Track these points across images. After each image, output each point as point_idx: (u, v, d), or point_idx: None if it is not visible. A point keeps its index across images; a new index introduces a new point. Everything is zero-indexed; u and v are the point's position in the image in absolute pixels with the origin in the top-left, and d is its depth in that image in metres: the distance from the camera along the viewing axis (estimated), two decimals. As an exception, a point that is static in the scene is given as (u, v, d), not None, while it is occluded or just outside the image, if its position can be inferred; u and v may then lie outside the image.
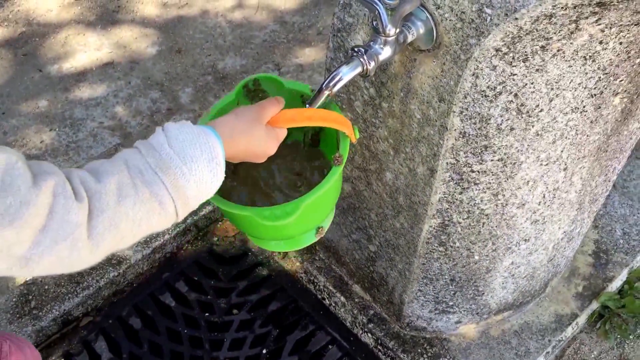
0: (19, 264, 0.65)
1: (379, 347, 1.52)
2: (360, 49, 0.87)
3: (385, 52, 0.87)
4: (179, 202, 0.73)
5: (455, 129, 0.98)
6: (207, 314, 1.58)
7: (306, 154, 1.11)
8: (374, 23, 0.85)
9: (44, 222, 0.64)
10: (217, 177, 0.76)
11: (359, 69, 0.87)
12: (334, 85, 0.87)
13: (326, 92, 0.88)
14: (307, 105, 0.92)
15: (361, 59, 0.86)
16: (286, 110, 0.89)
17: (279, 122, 0.88)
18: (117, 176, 0.70)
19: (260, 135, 0.85)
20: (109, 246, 0.70)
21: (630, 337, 1.66)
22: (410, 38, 0.88)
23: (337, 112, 0.97)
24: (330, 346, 1.54)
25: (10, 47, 2.33)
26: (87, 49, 2.33)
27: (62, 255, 0.66)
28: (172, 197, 0.72)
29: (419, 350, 1.48)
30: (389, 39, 0.86)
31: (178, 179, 0.72)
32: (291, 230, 1.03)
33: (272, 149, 0.88)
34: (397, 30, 0.85)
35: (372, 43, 0.87)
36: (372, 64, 0.87)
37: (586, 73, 0.92)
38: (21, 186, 0.62)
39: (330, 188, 0.93)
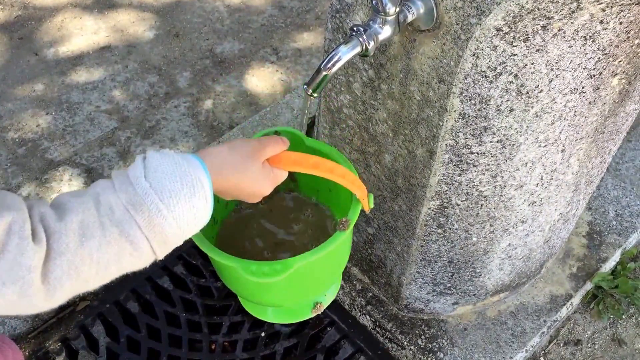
0: None
1: (377, 328, 1.53)
2: (360, 28, 0.86)
3: (385, 32, 0.87)
4: (154, 242, 0.66)
5: (454, 110, 0.98)
6: (205, 298, 1.58)
7: (317, 216, 1.04)
8: (374, 1, 0.85)
9: None
10: (200, 214, 0.69)
11: (358, 49, 0.87)
12: (333, 65, 0.87)
13: (324, 73, 0.88)
14: (304, 87, 0.90)
15: (360, 39, 0.86)
16: (291, 152, 0.83)
17: (281, 163, 0.82)
18: (81, 215, 0.63)
19: (254, 173, 0.78)
20: (68, 291, 0.64)
21: (623, 316, 1.68)
22: (410, 17, 0.88)
23: (349, 169, 0.89)
24: (328, 328, 1.55)
25: (6, 30, 2.32)
26: (83, 33, 2.32)
27: (11, 298, 0.60)
28: (147, 237, 0.65)
29: (417, 332, 1.49)
30: (389, 18, 0.86)
31: (153, 216, 0.65)
32: (281, 296, 0.95)
33: (266, 190, 0.81)
34: (397, 9, 0.85)
35: (371, 22, 0.87)
36: (372, 43, 0.87)
37: (586, 53, 0.92)
38: None
39: (330, 254, 0.86)
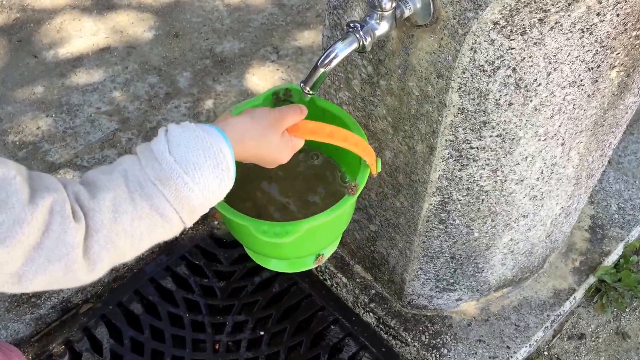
0: (11, 281, 0.62)
1: (380, 326, 1.53)
2: (356, 24, 0.86)
3: (382, 28, 0.87)
4: (183, 213, 0.69)
5: (454, 105, 0.98)
6: (208, 298, 1.59)
7: (322, 167, 1.07)
8: (370, -2, 0.85)
9: (39, 240, 0.61)
10: (224, 183, 0.72)
11: (355, 45, 0.87)
12: (330, 62, 0.87)
13: (321, 70, 0.88)
14: (300, 85, 0.90)
15: (357, 35, 0.86)
16: (307, 121, 0.85)
17: (299, 131, 0.84)
18: (112, 192, 0.66)
19: (274, 142, 0.81)
20: (107, 264, 0.67)
21: (627, 310, 1.67)
22: (407, 13, 0.88)
23: (362, 137, 0.93)
24: (332, 326, 1.55)
25: (5, 33, 2.32)
26: (83, 34, 2.32)
27: (57, 275, 0.64)
28: (175, 209, 0.68)
29: (421, 328, 1.49)
30: (386, 13, 0.85)
31: (180, 189, 0.68)
32: (289, 251, 0.98)
33: (285, 158, 0.84)
34: (394, 4, 0.85)
35: (368, 18, 0.87)
36: (369, 39, 0.86)
37: (584, 46, 0.92)
38: (15, 204, 0.59)
39: (337, 216, 0.88)
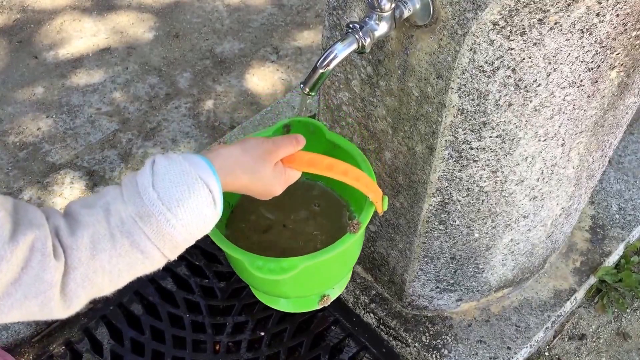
0: None
1: (381, 326, 1.53)
2: (356, 25, 0.86)
3: (381, 28, 0.87)
4: (166, 249, 0.68)
5: (453, 106, 0.97)
6: (208, 299, 1.58)
7: (332, 203, 1.03)
8: (370, -1, 0.85)
9: (17, 276, 0.60)
10: (209, 219, 0.70)
11: (354, 46, 0.87)
12: (329, 63, 0.86)
13: (321, 71, 0.87)
14: (300, 85, 0.89)
15: (356, 36, 0.86)
16: (305, 153, 0.82)
17: (294, 163, 0.81)
18: (91, 228, 0.65)
19: (266, 175, 0.78)
20: (84, 300, 0.66)
21: (628, 310, 1.67)
22: (406, 13, 0.88)
23: (370, 174, 0.89)
24: (332, 327, 1.55)
25: (5, 34, 2.32)
26: (83, 35, 2.32)
27: (32, 310, 0.63)
28: (157, 246, 0.67)
29: (421, 329, 1.49)
30: (385, 14, 0.85)
31: (162, 227, 0.66)
32: (289, 289, 0.96)
33: (277, 191, 0.82)
34: (393, 5, 0.85)
35: (367, 19, 0.87)
36: (368, 40, 0.86)
37: (583, 46, 0.92)
38: None
39: (339, 255, 0.85)
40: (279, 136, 0.83)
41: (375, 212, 0.93)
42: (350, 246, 0.89)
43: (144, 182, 0.67)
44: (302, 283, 0.93)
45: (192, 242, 0.71)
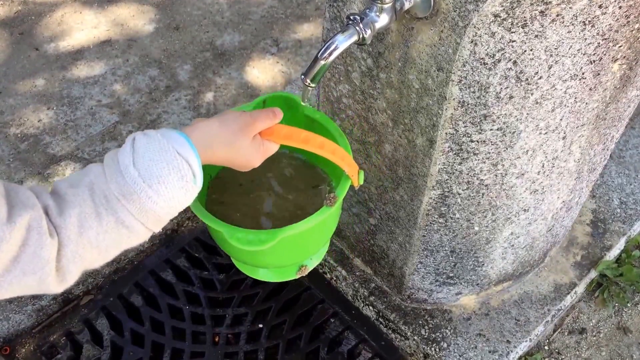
0: None
1: (380, 319, 1.53)
2: (356, 16, 0.86)
3: (382, 20, 0.87)
4: (149, 223, 0.71)
5: (454, 99, 0.97)
6: (208, 290, 1.59)
7: (306, 173, 1.05)
8: (370, -10, 0.84)
9: (16, 254, 0.64)
10: (189, 192, 0.73)
11: (355, 38, 0.86)
12: (330, 54, 0.86)
13: (322, 62, 0.87)
14: (302, 77, 0.90)
15: (357, 27, 0.85)
16: (282, 126, 0.84)
17: (272, 135, 0.83)
18: (78, 208, 0.68)
19: (243, 147, 0.80)
20: (76, 274, 0.70)
21: (628, 304, 1.67)
22: (407, 5, 0.87)
23: (346, 148, 0.90)
24: (332, 319, 1.55)
25: (6, 26, 2.31)
26: (83, 27, 2.31)
27: (30, 285, 0.66)
28: (140, 221, 0.70)
29: (420, 322, 1.49)
30: (385, 6, 0.85)
31: (144, 203, 0.69)
32: (267, 260, 0.98)
33: (256, 162, 0.84)
34: (394, -4, 0.84)
35: (368, 11, 0.86)
36: (368, 32, 0.86)
37: (585, 39, 0.91)
38: None
39: (316, 226, 0.87)
40: (257, 110, 0.84)
41: (352, 187, 0.95)
42: (327, 218, 0.91)
43: (124, 161, 0.70)
44: (280, 254, 0.95)
45: (175, 214, 0.74)
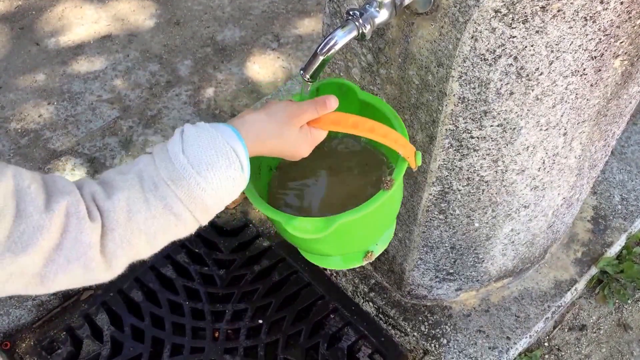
0: (34, 282, 0.65)
1: (380, 315, 1.53)
2: (356, 12, 0.85)
3: (382, 15, 0.86)
4: (197, 212, 0.71)
5: (454, 95, 0.97)
6: (208, 286, 1.59)
7: (366, 157, 1.03)
8: (370, -15, 0.84)
9: (58, 242, 0.64)
10: (237, 182, 0.73)
11: (354, 33, 0.86)
12: (329, 50, 0.85)
13: (321, 57, 0.86)
14: (300, 72, 0.89)
15: (356, 23, 0.85)
16: (330, 112, 0.83)
17: (320, 123, 0.82)
18: (127, 192, 0.68)
19: (291, 138, 0.81)
20: (124, 261, 0.70)
21: (629, 301, 1.67)
22: (407, 0, 0.87)
23: (402, 131, 0.89)
24: (332, 315, 1.55)
25: (7, 20, 2.31)
26: (84, 22, 2.31)
27: (77, 273, 0.66)
28: (189, 208, 0.70)
29: (420, 318, 1.49)
30: (385, 1, 0.84)
31: (193, 190, 0.69)
32: (330, 247, 0.97)
33: (304, 152, 0.84)
34: (394, -8, 0.84)
35: (367, 6, 0.86)
36: (368, 27, 0.85)
37: (587, 34, 0.90)
38: (33, 212, 0.63)
39: (373, 212, 0.85)
40: (306, 100, 0.84)
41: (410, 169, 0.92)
42: (385, 202, 0.88)
43: (174, 149, 0.71)
44: (341, 241, 0.94)
45: (222, 208, 0.74)
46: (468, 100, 0.97)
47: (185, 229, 0.72)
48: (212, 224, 1.70)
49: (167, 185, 0.69)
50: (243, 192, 0.81)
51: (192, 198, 0.70)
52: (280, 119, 0.80)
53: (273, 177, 1.03)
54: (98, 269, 0.67)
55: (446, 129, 1.03)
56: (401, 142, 0.87)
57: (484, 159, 1.09)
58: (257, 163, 0.97)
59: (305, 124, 0.82)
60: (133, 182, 0.69)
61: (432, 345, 1.45)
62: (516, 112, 1.00)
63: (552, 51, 0.91)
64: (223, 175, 0.71)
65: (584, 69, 0.97)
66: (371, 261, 1.02)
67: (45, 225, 0.63)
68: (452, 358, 1.43)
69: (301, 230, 0.84)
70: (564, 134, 1.10)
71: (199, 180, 0.69)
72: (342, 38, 0.85)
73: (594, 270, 1.63)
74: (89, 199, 0.67)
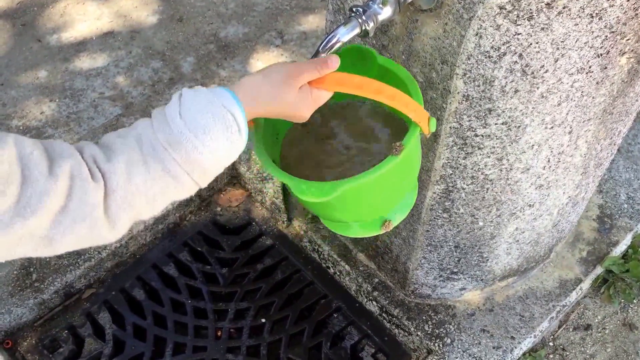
0: (43, 244, 0.67)
1: (383, 314, 1.52)
2: (359, 9, 0.84)
3: (385, 12, 0.85)
4: (195, 175, 0.72)
5: (458, 92, 0.96)
6: (210, 285, 1.58)
7: (385, 122, 0.99)
8: (373, -19, 0.83)
9: (63, 204, 0.66)
10: (235, 145, 0.74)
11: (357, 30, 0.85)
12: (331, 47, 0.85)
13: (323, 54, 0.86)
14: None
15: (359, 20, 0.84)
16: (336, 73, 0.80)
17: (323, 84, 0.80)
18: (126, 155, 0.69)
19: (289, 99, 0.79)
20: (126, 222, 0.71)
21: (634, 301, 1.65)
22: (410, -3, 0.85)
23: (414, 96, 0.85)
24: (335, 314, 1.54)
25: (9, 17, 2.30)
26: (86, 19, 2.30)
27: (83, 233, 0.68)
28: (187, 171, 0.71)
29: (424, 317, 1.48)
30: (389, -2, 0.83)
31: (190, 153, 0.70)
32: (341, 214, 0.96)
33: (305, 113, 0.82)
34: (397, -12, 0.83)
35: (371, 3, 0.85)
36: (371, 24, 0.84)
37: (592, 32, 0.89)
38: (39, 177, 0.64)
39: (381, 177, 0.83)
40: (307, 60, 0.82)
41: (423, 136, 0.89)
42: (395, 168, 0.85)
43: (171, 112, 0.71)
44: (353, 206, 0.93)
45: (220, 170, 0.75)
46: (472, 98, 0.96)
47: (184, 190, 0.73)
48: (215, 222, 1.69)
49: (164, 149, 0.70)
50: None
51: (189, 161, 0.71)
52: (278, 79, 0.78)
53: (284, 143, 1.00)
54: (103, 228, 0.69)
55: (450, 127, 1.02)
56: (412, 107, 0.84)
57: (489, 157, 1.08)
58: (275, 130, 0.95)
59: (306, 84, 0.81)
60: (132, 145, 0.70)
61: (436, 344, 1.44)
62: (521, 110, 0.99)
63: (557, 48, 0.90)
64: (220, 138, 0.72)
65: (590, 67, 0.96)
66: (388, 230, 1.00)
67: (52, 189, 0.64)
68: (456, 357, 1.42)
69: (307, 194, 0.83)
70: (570, 132, 1.09)
71: (196, 143, 0.70)
72: (345, 35, 0.85)
73: (599, 270, 1.61)
74: (90, 162, 0.68)
